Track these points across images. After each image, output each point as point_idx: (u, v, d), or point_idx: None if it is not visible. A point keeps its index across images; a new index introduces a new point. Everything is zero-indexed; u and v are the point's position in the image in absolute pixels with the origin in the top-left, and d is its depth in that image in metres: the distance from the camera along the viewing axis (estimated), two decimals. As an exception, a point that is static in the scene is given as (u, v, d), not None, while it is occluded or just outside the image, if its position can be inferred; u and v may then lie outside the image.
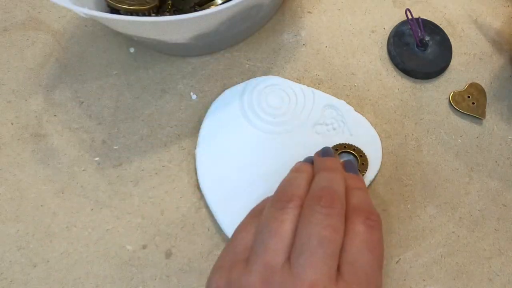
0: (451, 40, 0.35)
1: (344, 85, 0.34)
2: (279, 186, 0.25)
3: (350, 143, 0.30)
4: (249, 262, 0.21)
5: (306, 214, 0.22)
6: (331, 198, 0.22)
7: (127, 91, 0.33)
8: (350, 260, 0.21)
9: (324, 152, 0.27)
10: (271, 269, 0.20)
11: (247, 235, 0.23)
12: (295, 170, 0.26)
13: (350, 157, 0.30)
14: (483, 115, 0.33)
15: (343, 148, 0.30)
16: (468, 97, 0.33)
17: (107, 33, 0.36)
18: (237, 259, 0.22)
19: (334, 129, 0.31)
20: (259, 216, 0.24)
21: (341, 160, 0.28)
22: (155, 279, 0.28)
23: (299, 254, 0.21)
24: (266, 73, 0.34)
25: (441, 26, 0.35)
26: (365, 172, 0.29)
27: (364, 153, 0.30)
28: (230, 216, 0.28)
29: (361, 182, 0.26)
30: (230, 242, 0.24)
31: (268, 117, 0.31)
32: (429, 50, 0.34)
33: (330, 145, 0.30)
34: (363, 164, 0.30)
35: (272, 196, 0.25)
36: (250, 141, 0.30)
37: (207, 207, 0.29)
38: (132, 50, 0.35)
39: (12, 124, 0.33)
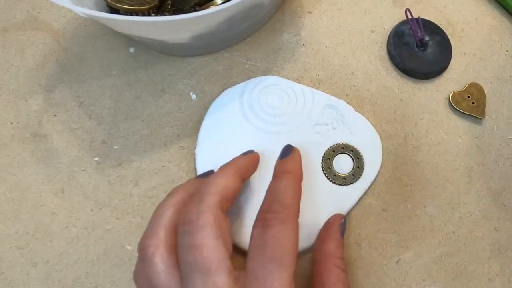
0: (451, 40, 0.35)
1: (344, 85, 0.34)
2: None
3: (349, 144, 0.30)
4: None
5: (178, 243, 0.22)
6: (190, 211, 0.22)
7: (127, 91, 0.33)
8: (246, 267, 0.22)
9: (282, 153, 0.28)
10: None
11: None
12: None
13: (347, 159, 0.30)
14: (483, 115, 0.33)
15: (341, 149, 0.30)
16: (468, 97, 0.33)
17: (107, 33, 0.36)
18: None
19: (334, 129, 0.31)
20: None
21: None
22: (155, 279, 0.28)
23: (185, 282, 0.21)
24: (266, 73, 0.34)
25: (441, 26, 0.35)
26: (359, 177, 0.29)
27: (361, 156, 0.30)
28: (230, 216, 0.28)
29: (290, 165, 0.27)
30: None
31: (268, 117, 0.31)
32: (429, 50, 0.34)
33: (330, 145, 0.30)
34: (358, 167, 0.30)
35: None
36: (250, 141, 0.30)
37: (207, 207, 0.29)
38: (132, 50, 0.35)
39: (12, 124, 0.33)
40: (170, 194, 0.25)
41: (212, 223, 0.21)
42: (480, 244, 0.29)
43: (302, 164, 0.30)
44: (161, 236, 0.22)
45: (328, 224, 0.27)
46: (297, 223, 0.23)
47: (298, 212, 0.24)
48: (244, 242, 0.27)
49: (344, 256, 0.26)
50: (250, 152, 0.29)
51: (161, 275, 0.21)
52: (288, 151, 0.28)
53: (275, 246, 0.21)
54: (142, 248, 0.22)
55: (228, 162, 0.26)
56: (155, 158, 0.31)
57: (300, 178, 0.26)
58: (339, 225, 0.27)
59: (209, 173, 0.27)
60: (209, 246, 0.21)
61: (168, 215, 0.23)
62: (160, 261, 0.21)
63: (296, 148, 0.28)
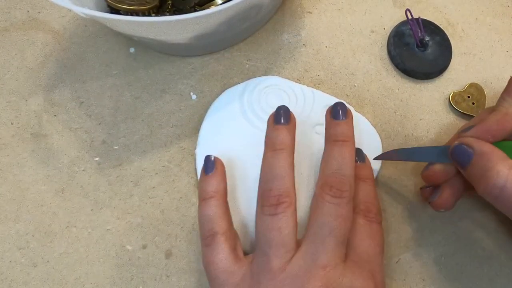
0: (451, 40, 0.35)
1: (344, 85, 0.34)
2: (261, 176, 0.26)
3: None
4: (256, 278, 0.24)
5: (318, 204, 0.25)
6: (341, 187, 0.24)
7: (127, 91, 0.33)
8: (354, 246, 0.25)
9: (336, 113, 0.27)
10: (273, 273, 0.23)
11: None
12: (272, 148, 0.26)
13: None
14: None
15: None
16: (468, 97, 0.33)
17: (107, 33, 0.36)
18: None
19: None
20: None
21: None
22: (155, 279, 0.28)
23: (311, 242, 0.24)
24: (266, 73, 0.34)
25: (441, 26, 0.35)
26: None
27: (362, 155, 0.30)
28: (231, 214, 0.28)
29: (368, 171, 0.28)
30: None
31: (267, 117, 0.31)
32: (429, 50, 0.34)
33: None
34: None
35: (258, 190, 0.26)
36: (250, 141, 0.30)
37: (207, 207, 0.29)
38: (132, 50, 0.35)
39: (12, 124, 0.33)
40: (276, 155, 0.27)
41: (351, 208, 0.25)
42: (480, 244, 0.29)
43: (303, 165, 0.30)
44: (291, 194, 0.25)
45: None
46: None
47: None
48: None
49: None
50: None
51: (287, 230, 0.24)
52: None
53: (381, 239, 0.26)
54: (278, 202, 0.25)
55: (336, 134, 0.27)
56: (155, 158, 0.31)
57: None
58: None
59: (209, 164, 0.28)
60: (350, 221, 0.25)
61: (291, 175, 0.26)
62: (293, 217, 0.25)
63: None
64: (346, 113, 0.27)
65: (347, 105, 0.32)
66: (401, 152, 0.28)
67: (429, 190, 0.28)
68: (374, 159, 0.29)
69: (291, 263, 0.23)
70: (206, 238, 0.25)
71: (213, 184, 0.26)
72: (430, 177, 0.27)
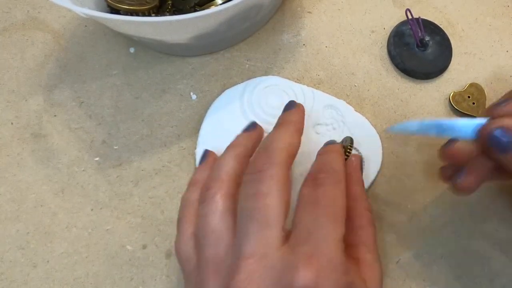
0: (451, 40, 0.35)
1: (344, 85, 0.34)
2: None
3: (348, 143, 0.30)
4: (199, 269, 0.22)
5: (241, 190, 0.22)
6: (259, 162, 0.22)
7: (127, 91, 0.33)
8: (295, 223, 0.21)
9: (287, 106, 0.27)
10: (217, 259, 0.21)
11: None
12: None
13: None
14: (483, 115, 0.33)
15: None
16: (468, 97, 0.33)
17: (107, 33, 0.36)
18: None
19: (334, 129, 0.31)
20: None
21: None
22: (155, 279, 0.28)
23: (239, 229, 0.21)
24: (266, 73, 0.34)
25: (441, 26, 0.35)
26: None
27: (361, 156, 0.30)
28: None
29: (334, 147, 0.26)
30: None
31: (268, 117, 0.31)
32: (429, 50, 0.34)
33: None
34: None
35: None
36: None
37: (207, 207, 0.29)
38: (132, 50, 0.35)
39: (12, 124, 0.33)
40: (228, 148, 0.25)
41: (280, 176, 0.21)
42: (480, 244, 0.29)
43: (303, 165, 0.30)
44: (224, 179, 0.23)
45: (350, 164, 0.27)
46: (345, 191, 0.23)
47: (344, 182, 0.23)
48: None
49: (370, 204, 0.26)
50: (293, 105, 0.28)
51: (216, 215, 0.22)
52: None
53: (328, 202, 0.21)
54: (206, 189, 0.23)
55: (285, 119, 0.26)
56: (155, 158, 0.31)
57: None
58: (359, 165, 0.27)
59: (250, 127, 0.27)
60: (273, 197, 0.21)
61: (231, 164, 0.24)
62: (220, 202, 0.22)
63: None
64: (295, 104, 0.27)
65: (346, 105, 0.32)
66: (424, 125, 0.24)
67: (451, 169, 0.25)
68: (386, 131, 0.27)
69: (219, 254, 0.21)
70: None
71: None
72: (453, 155, 0.24)
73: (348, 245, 0.22)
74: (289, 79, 0.33)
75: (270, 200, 0.21)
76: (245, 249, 0.20)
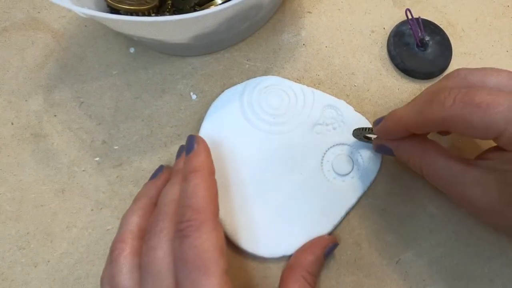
0: (451, 40, 0.35)
1: (344, 85, 0.34)
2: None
3: (350, 144, 0.30)
4: None
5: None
6: (152, 219, 0.25)
7: (127, 91, 0.33)
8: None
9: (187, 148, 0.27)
10: None
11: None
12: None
13: (348, 159, 0.30)
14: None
15: (341, 150, 0.30)
16: (468, 97, 0.33)
17: (107, 33, 0.36)
18: None
19: (334, 129, 0.31)
20: None
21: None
22: (155, 279, 0.28)
23: (141, 284, 0.23)
24: (266, 73, 0.34)
25: (441, 26, 0.35)
26: (359, 177, 0.30)
27: (361, 156, 0.30)
28: (230, 215, 0.28)
29: (195, 162, 0.26)
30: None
31: (268, 117, 0.31)
32: (429, 50, 0.34)
33: (330, 145, 0.30)
34: (358, 167, 0.30)
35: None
36: (250, 141, 0.30)
37: (207, 207, 0.29)
38: (132, 50, 0.35)
39: (12, 124, 0.33)
40: (135, 200, 0.27)
41: (168, 229, 0.23)
42: (480, 244, 0.29)
43: (303, 165, 0.30)
44: (127, 240, 0.24)
45: (317, 238, 0.28)
46: (215, 222, 0.23)
47: (215, 210, 0.24)
48: (240, 242, 0.28)
49: (317, 275, 0.26)
50: (190, 148, 0.27)
51: (123, 275, 0.23)
52: (191, 145, 0.27)
53: (195, 255, 0.21)
54: (111, 251, 0.24)
55: (176, 170, 0.27)
56: (155, 158, 0.31)
57: (210, 172, 0.25)
58: (326, 245, 0.27)
59: (158, 172, 0.29)
60: (162, 250, 0.23)
61: (133, 220, 0.25)
62: (124, 262, 0.23)
63: (199, 137, 0.27)
64: (193, 146, 0.27)
65: (346, 105, 0.32)
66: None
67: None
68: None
69: None
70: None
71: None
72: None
73: None
74: (289, 79, 0.33)
75: (158, 253, 0.22)
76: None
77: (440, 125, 0.22)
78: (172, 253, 0.22)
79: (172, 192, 0.25)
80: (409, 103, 0.25)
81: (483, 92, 0.21)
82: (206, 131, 0.31)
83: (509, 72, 0.23)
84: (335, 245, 0.27)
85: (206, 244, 0.22)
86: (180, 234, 0.22)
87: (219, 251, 0.22)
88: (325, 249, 0.27)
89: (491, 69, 0.23)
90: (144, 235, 0.24)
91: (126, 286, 0.23)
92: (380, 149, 0.28)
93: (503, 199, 0.21)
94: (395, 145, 0.26)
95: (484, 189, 0.22)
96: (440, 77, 0.34)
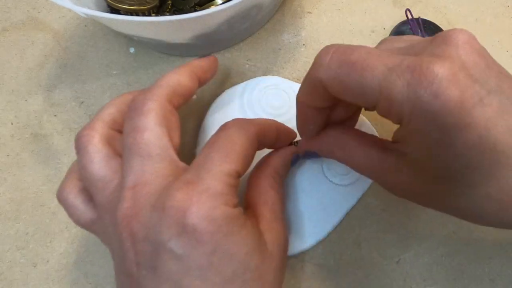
0: (451, 40, 0.35)
1: (344, 85, 0.34)
2: None
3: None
4: None
5: (123, 129, 0.23)
6: (139, 99, 0.22)
7: (127, 91, 0.33)
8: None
9: None
10: (108, 201, 0.21)
11: None
12: None
13: None
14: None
15: None
16: (468, 97, 0.33)
17: (107, 33, 0.36)
18: None
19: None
20: None
21: None
22: (155, 279, 0.28)
23: (124, 167, 0.21)
24: (266, 73, 0.34)
25: (441, 26, 0.35)
26: (359, 177, 0.29)
27: None
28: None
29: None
30: None
31: (268, 117, 0.31)
32: (429, 50, 0.34)
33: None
34: None
35: None
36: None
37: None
38: (132, 50, 0.35)
39: (12, 124, 0.33)
40: (116, 96, 0.25)
41: (157, 110, 0.21)
42: (480, 244, 0.29)
43: (303, 164, 0.30)
44: (97, 127, 0.22)
45: (284, 148, 0.27)
46: (256, 133, 0.22)
47: (259, 125, 0.23)
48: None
49: (283, 178, 0.26)
50: (208, 56, 0.28)
51: (95, 163, 0.21)
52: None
53: (224, 141, 0.21)
54: (77, 139, 0.22)
55: (185, 63, 0.26)
56: (155, 158, 0.31)
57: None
58: (296, 151, 0.26)
59: None
60: (152, 131, 0.21)
61: (108, 111, 0.23)
62: (95, 149, 0.21)
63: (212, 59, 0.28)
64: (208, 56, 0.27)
65: None
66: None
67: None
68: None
69: (110, 197, 0.21)
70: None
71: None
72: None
73: (251, 205, 0.23)
74: (289, 79, 0.33)
75: (148, 134, 0.21)
76: (128, 180, 0.20)
77: (322, 90, 0.20)
78: (166, 135, 0.21)
79: (169, 78, 0.24)
80: None
81: (362, 50, 0.18)
82: (206, 131, 0.31)
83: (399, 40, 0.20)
84: (298, 155, 0.27)
85: (239, 138, 0.21)
86: (221, 128, 0.22)
87: (244, 154, 0.21)
88: (292, 154, 0.26)
89: (382, 42, 0.21)
90: (125, 117, 0.22)
91: (102, 174, 0.21)
92: (307, 155, 0.27)
93: (419, 182, 0.20)
94: (317, 147, 0.25)
95: (401, 175, 0.21)
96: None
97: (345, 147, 0.23)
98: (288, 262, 0.28)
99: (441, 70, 0.16)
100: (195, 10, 0.34)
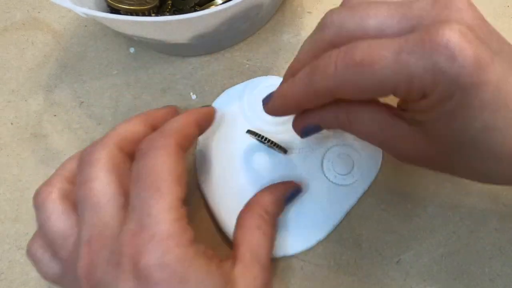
0: (451, 40, 0.35)
1: (344, 85, 0.34)
2: None
3: (349, 144, 0.30)
4: None
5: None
6: (90, 150, 0.22)
7: (127, 91, 0.33)
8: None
9: None
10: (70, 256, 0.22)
11: None
12: None
13: (347, 159, 0.30)
14: None
15: (341, 149, 0.30)
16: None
17: (107, 33, 0.36)
18: None
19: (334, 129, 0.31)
20: None
21: None
22: (155, 279, 0.28)
23: (79, 220, 0.21)
24: (266, 73, 0.34)
25: (441, 26, 0.35)
26: (359, 177, 0.29)
27: (361, 156, 0.30)
28: (230, 215, 0.28)
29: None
30: None
31: (268, 117, 0.31)
32: (429, 50, 0.34)
33: (330, 145, 0.30)
34: (358, 167, 0.30)
35: None
36: (250, 141, 0.30)
37: (207, 207, 0.29)
38: (132, 50, 0.35)
39: (12, 124, 0.33)
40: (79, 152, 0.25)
41: (105, 158, 0.21)
42: (480, 244, 0.29)
43: (303, 164, 0.30)
44: (55, 183, 0.22)
45: (280, 182, 0.27)
46: (179, 148, 0.21)
47: (183, 136, 0.22)
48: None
49: (275, 216, 0.25)
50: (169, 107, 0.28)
51: (52, 220, 0.21)
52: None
53: (148, 174, 0.20)
54: (35, 195, 0.22)
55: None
56: (155, 158, 0.31)
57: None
58: (288, 187, 0.26)
59: None
60: (100, 180, 0.20)
61: (68, 165, 0.23)
62: (52, 206, 0.21)
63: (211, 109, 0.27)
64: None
65: None
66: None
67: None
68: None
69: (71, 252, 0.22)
70: None
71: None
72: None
73: (235, 246, 0.23)
74: (289, 79, 0.33)
75: (96, 184, 0.20)
76: (83, 235, 0.20)
77: (332, 95, 0.20)
78: (115, 182, 0.21)
79: (120, 127, 0.23)
80: (295, 77, 0.21)
81: (363, 45, 0.18)
82: (206, 131, 0.31)
83: (388, 4, 0.19)
84: (297, 190, 0.26)
85: (162, 164, 0.20)
86: (139, 154, 0.21)
87: (175, 177, 0.20)
88: (286, 191, 0.26)
89: (368, 6, 0.19)
90: (77, 168, 0.22)
91: (60, 231, 0.21)
92: (306, 132, 0.25)
93: (432, 149, 0.20)
94: (318, 119, 0.23)
95: (413, 142, 0.20)
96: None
97: (350, 112, 0.22)
98: (288, 262, 0.28)
99: (451, 33, 0.16)
100: (195, 10, 0.34)
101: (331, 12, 0.20)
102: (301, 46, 0.22)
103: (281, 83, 0.23)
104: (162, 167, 0.20)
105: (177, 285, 0.18)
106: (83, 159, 0.22)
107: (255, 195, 0.26)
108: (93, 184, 0.20)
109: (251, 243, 0.23)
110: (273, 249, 0.24)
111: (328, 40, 0.20)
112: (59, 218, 0.21)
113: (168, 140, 0.21)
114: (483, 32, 0.18)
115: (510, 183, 0.20)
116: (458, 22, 0.17)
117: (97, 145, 0.22)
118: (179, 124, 0.23)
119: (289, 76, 0.22)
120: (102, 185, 0.20)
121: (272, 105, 0.24)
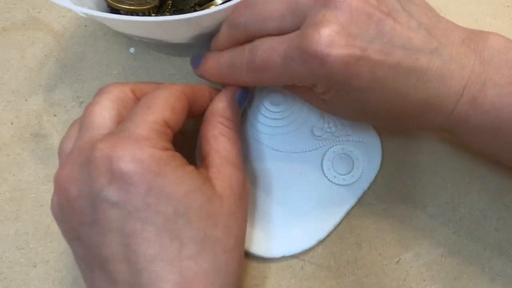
0: (451, 40, 0.35)
1: (344, 85, 0.34)
2: None
3: (349, 144, 0.30)
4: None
5: None
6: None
7: (127, 91, 0.33)
8: None
9: None
10: None
11: None
12: None
13: (347, 159, 0.30)
14: None
15: (341, 149, 0.30)
16: (468, 97, 0.33)
17: (107, 33, 0.36)
18: None
19: (334, 127, 0.31)
20: None
21: None
22: (155, 279, 0.28)
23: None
24: (266, 73, 0.34)
25: (441, 26, 0.35)
26: (359, 177, 0.29)
27: (361, 156, 0.30)
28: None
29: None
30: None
31: (268, 117, 0.31)
32: (429, 50, 0.34)
33: (330, 145, 0.30)
34: (358, 168, 0.30)
35: None
36: (250, 141, 0.30)
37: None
38: (132, 50, 0.35)
39: (12, 124, 0.33)
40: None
41: (114, 91, 0.23)
42: (480, 244, 0.29)
43: (303, 164, 0.30)
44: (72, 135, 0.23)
45: (225, 88, 0.27)
46: (185, 95, 0.23)
47: (187, 85, 0.25)
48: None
49: (234, 120, 0.26)
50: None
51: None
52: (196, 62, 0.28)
53: (148, 97, 0.22)
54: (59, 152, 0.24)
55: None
56: (155, 158, 0.31)
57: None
58: (234, 89, 0.26)
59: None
60: (100, 105, 0.22)
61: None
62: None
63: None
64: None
65: None
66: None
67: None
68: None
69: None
70: None
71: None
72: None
73: (203, 157, 0.24)
74: (289, 79, 0.33)
75: (96, 107, 0.22)
76: (67, 148, 0.22)
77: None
78: (114, 109, 0.22)
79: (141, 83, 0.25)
80: (219, 62, 0.25)
81: (261, 49, 0.22)
82: (206, 131, 0.31)
83: (280, 3, 0.21)
84: (246, 91, 0.27)
85: (160, 94, 0.22)
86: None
87: (170, 105, 0.22)
88: (235, 93, 0.26)
89: (264, 8, 0.22)
90: None
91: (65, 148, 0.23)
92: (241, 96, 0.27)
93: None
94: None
95: (327, 106, 0.25)
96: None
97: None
98: (288, 262, 0.28)
99: (321, 41, 0.19)
100: (195, 10, 0.34)
101: (238, 11, 0.23)
102: (221, 31, 0.26)
103: (207, 57, 0.26)
104: (160, 97, 0.22)
105: (153, 178, 0.19)
106: (99, 90, 0.23)
107: (209, 107, 0.26)
108: (94, 107, 0.22)
109: (218, 150, 0.24)
110: (240, 151, 0.25)
111: (240, 37, 0.24)
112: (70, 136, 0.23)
113: (175, 86, 0.24)
114: (357, 24, 0.20)
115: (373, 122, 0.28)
116: (330, 23, 0.19)
117: (115, 83, 0.24)
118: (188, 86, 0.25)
119: (214, 49, 0.27)
120: (100, 109, 0.22)
121: (201, 76, 0.27)
